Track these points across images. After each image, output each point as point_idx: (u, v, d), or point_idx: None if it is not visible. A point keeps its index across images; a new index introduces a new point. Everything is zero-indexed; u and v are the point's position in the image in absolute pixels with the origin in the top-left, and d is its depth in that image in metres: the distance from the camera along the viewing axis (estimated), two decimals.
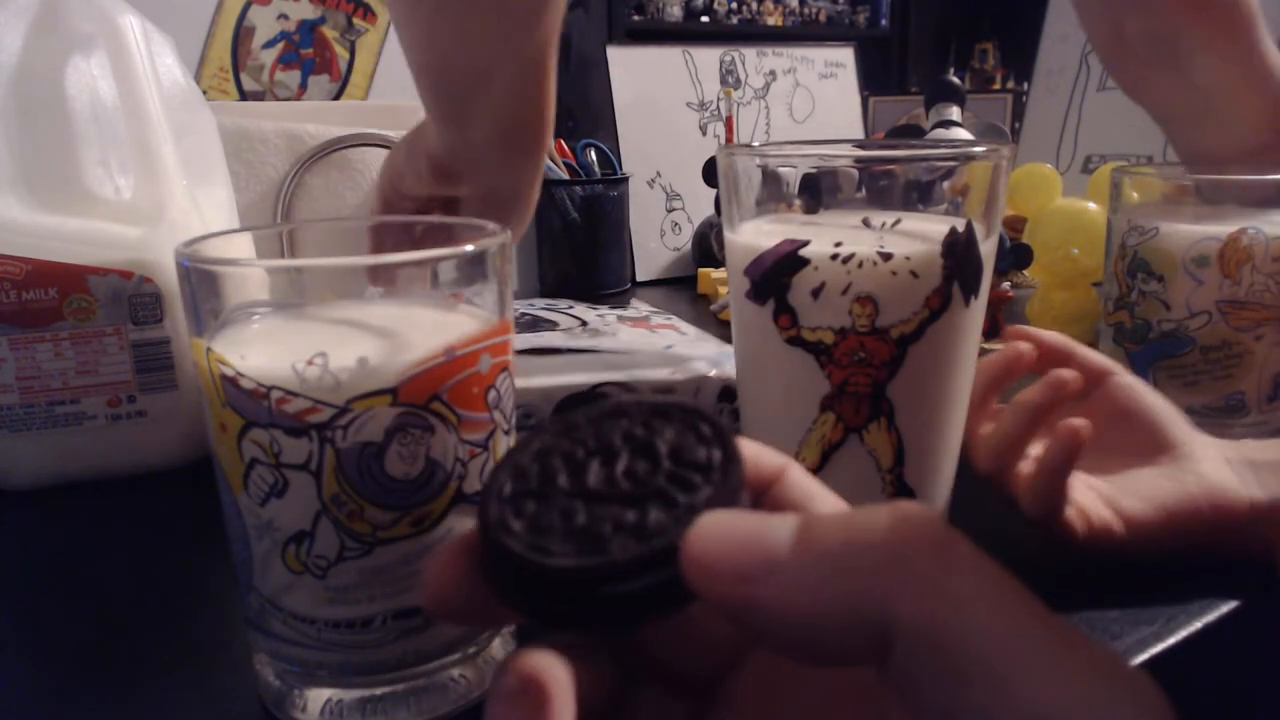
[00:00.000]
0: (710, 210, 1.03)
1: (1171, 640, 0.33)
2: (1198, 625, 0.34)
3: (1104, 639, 0.33)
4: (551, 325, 0.55)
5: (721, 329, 0.79)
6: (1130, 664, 0.16)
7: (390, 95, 0.87)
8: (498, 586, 0.19)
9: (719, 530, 0.17)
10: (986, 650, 0.15)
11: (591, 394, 0.46)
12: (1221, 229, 0.45)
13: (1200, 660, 0.35)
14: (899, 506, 0.17)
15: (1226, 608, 0.35)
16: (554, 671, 0.17)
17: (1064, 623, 0.15)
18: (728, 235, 0.35)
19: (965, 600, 0.15)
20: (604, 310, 0.61)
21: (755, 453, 0.21)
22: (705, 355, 0.50)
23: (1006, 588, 0.16)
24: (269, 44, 0.88)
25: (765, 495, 0.21)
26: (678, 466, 0.19)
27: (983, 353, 0.35)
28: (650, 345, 0.51)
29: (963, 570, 0.16)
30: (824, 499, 0.21)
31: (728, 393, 0.48)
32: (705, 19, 3.00)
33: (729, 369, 0.48)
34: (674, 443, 0.20)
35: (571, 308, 0.61)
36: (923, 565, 0.15)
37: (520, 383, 0.44)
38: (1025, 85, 1.17)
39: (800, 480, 0.21)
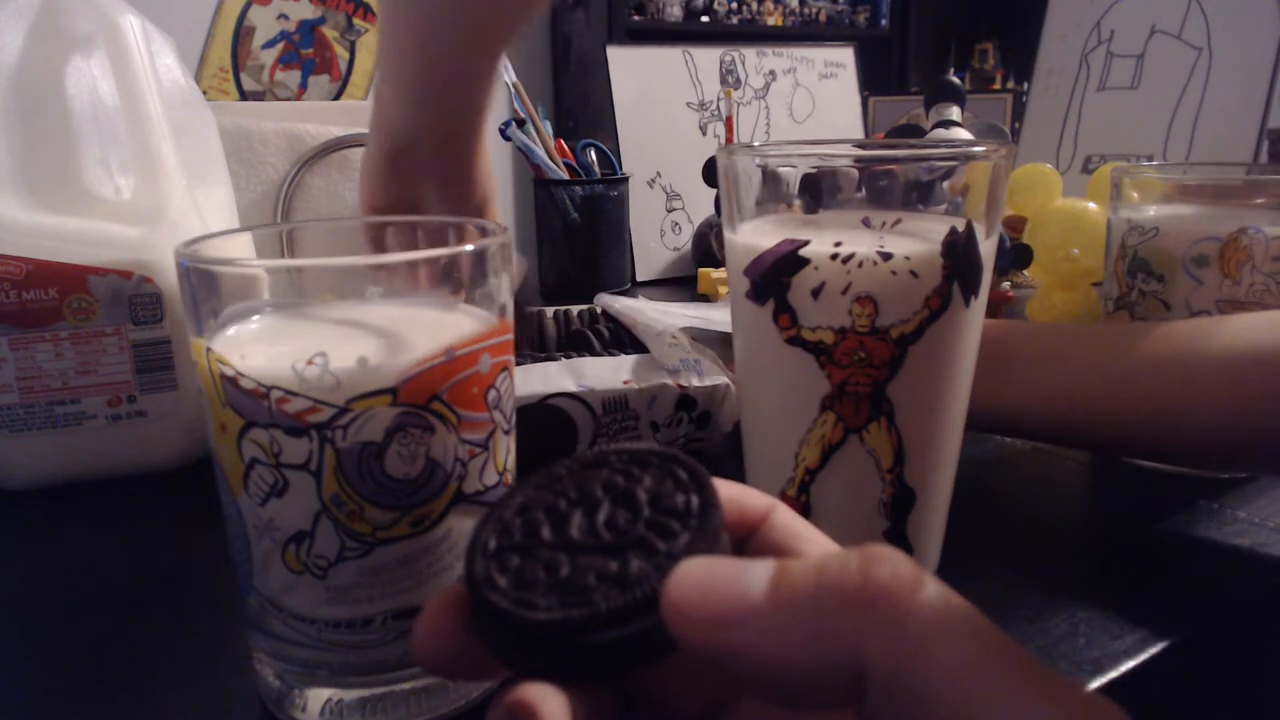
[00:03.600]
0: (710, 210, 1.03)
1: (1171, 640, 0.33)
2: (1197, 625, 0.34)
3: (1104, 639, 0.33)
4: None
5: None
6: (1096, 693, 0.16)
7: None
8: (486, 641, 0.19)
9: (696, 577, 0.18)
10: (953, 690, 0.15)
11: (541, 405, 0.45)
12: (1221, 229, 0.45)
13: (1200, 659, 0.35)
14: (869, 550, 0.17)
15: (1226, 608, 0.35)
16: (548, 703, 0.17)
17: (1030, 656, 0.16)
18: (728, 235, 0.35)
19: (932, 643, 0.15)
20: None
21: (740, 494, 0.22)
22: (665, 363, 0.49)
23: (974, 627, 0.16)
24: (269, 44, 0.88)
25: (753, 537, 0.21)
26: (657, 514, 0.20)
27: None
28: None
29: (930, 612, 0.16)
30: (811, 539, 0.21)
31: (686, 402, 0.47)
32: (705, 19, 3.00)
33: (690, 376, 0.48)
34: (653, 490, 0.20)
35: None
36: (891, 608, 0.16)
37: None
38: (1025, 85, 1.16)
39: (787, 521, 0.21)
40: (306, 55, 0.89)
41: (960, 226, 0.31)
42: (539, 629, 0.18)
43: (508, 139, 0.89)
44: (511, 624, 0.18)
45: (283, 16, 0.88)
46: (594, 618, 0.18)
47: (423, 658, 0.20)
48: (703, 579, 0.17)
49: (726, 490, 0.21)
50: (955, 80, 0.94)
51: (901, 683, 0.15)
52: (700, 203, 1.05)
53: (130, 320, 0.48)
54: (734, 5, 3.06)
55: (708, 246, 1.00)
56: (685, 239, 1.05)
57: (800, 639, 0.16)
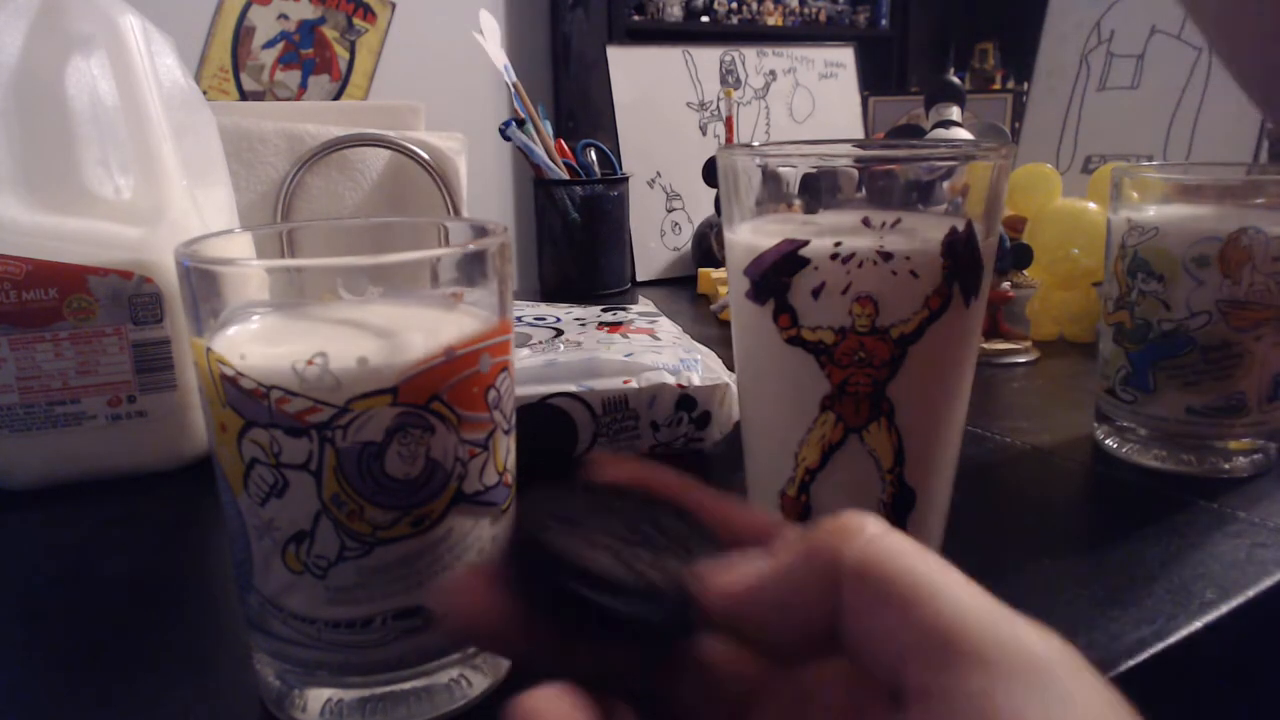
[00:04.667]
0: (710, 210, 1.03)
1: (1172, 639, 0.33)
2: (1197, 625, 0.34)
3: (1104, 639, 0.33)
4: (523, 339, 0.53)
5: (721, 329, 0.79)
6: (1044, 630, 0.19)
7: (390, 95, 0.87)
8: (523, 590, 0.20)
9: (726, 562, 0.20)
10: (918, 578, 0.18)
11: (541, 405, 0.45)
12: (1221, 229, 0.45)
13: (1200, 659, 0.35)
14: (853, 512, 0.20)
15: (1226, 607, 0.35)
16: (558, 709, 0.17)
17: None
18: (728, 235, 0.35)
19: (900, 548, 0.18)
20: (590, 313, 0.60)
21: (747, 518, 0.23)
22: (665, 363, 0.48)
23: (939, 560, 0.18)
24: (269, 44, 0.88)
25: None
26: (673, 542, 0.21)
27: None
28: (612, 352, 0.50)
29: (887, 526, 0.19)
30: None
31: (686, 401, 0.47)
32: (705, 19, 3.00)
33: (690, 376, 0.48)
34: (664, 527, 0.22)
35: (568, 312, 0.60)
36: (856, 525, 0.19)
37: None
38: (1025, 85, 1.16)
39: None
40: (306, 55, 0.89)
41: (960, 226, 0.31)
42: (585, 579, 0.19)
43: (508, 139, 0.89)
44: (564, 568, 0.19)
45: (283, 16, 0.88)
46: (637, 577, 0.19)
47: (446, 609, 0.21)
48: (723, 563, 0.20)
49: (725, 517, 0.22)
50: (955, 80, 0.94)
51: (870, 574, 0.18)
52: (700, 203, 1.05)
53: (130, 320, 0.48)
54: (734, 5, 3.06)
55: (708, 246, 1.00)
56: (685, 239, 1.05)
57: (795, 563, 0.19)
